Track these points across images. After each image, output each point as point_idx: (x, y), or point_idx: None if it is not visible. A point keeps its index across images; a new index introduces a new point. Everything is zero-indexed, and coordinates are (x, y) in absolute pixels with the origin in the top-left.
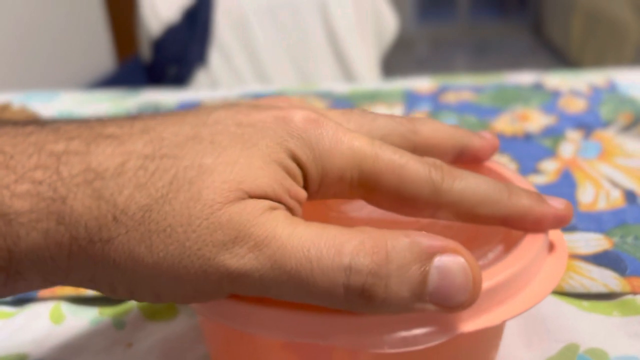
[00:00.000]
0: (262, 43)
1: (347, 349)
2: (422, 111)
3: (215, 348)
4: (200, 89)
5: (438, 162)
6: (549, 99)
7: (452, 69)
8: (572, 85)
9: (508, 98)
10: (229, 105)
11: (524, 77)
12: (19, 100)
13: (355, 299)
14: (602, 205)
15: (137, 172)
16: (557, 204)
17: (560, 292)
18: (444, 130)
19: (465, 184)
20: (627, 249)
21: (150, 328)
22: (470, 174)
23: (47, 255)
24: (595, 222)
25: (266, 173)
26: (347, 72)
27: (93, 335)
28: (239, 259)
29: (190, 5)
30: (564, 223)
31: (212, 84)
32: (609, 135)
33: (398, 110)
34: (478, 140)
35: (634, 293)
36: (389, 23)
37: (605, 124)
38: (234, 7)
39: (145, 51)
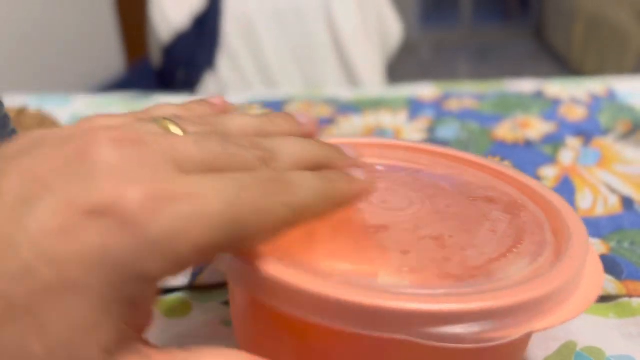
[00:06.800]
0: (269, 48)
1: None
2: (425, 117)
3: (249, 333)
4: (209, 94)
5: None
6: (550, 107)
7: (455, 73)
8: (572, 93)
9: (509, 105)
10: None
11: (525, 85)
12: (33, 103)
13: None
14: (600, 210)
15: None
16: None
17: None
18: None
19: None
20: (623, 254)
21: (165, 324)
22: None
23: None
24: (593, 227)
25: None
26: (352, 76)
27: None
28: None
29: (199, 11)
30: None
31: (221, 88)
32: (608, 142)
33: (402, 116)
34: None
35: (630, 296)
36: (394, 28)
37: (605, 132)
38: (242, 13)
39: (156, 56)
